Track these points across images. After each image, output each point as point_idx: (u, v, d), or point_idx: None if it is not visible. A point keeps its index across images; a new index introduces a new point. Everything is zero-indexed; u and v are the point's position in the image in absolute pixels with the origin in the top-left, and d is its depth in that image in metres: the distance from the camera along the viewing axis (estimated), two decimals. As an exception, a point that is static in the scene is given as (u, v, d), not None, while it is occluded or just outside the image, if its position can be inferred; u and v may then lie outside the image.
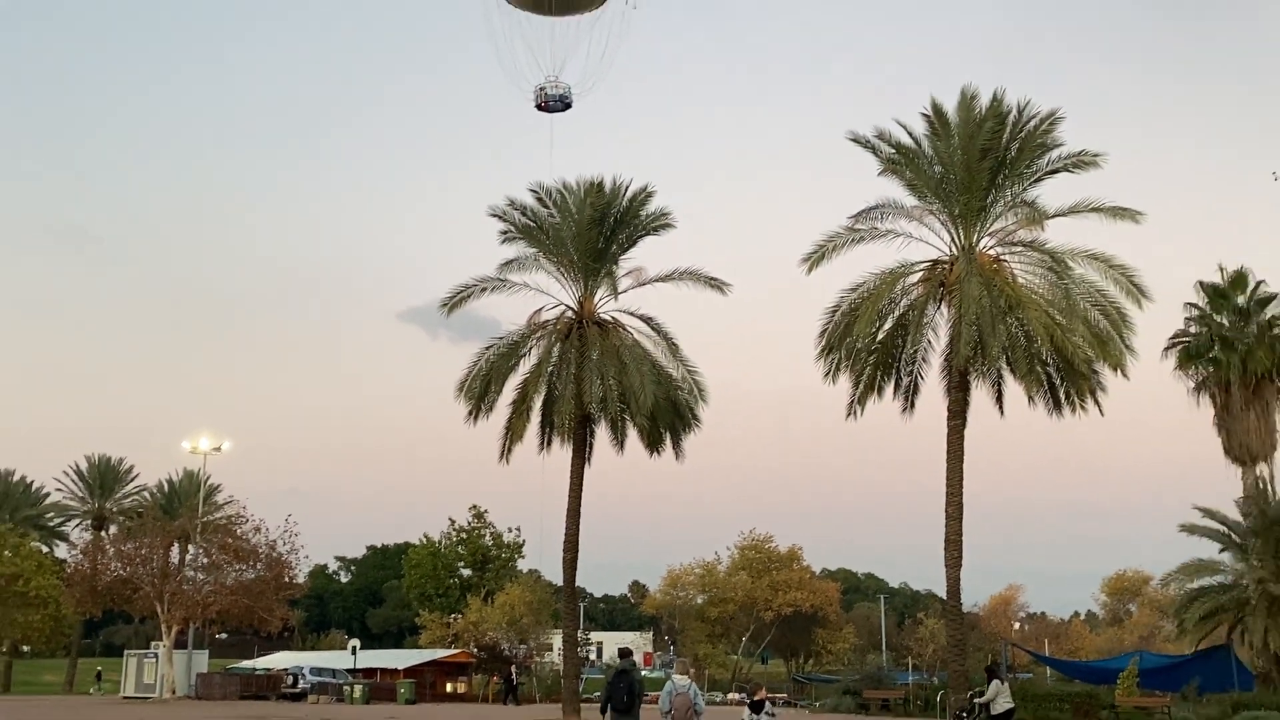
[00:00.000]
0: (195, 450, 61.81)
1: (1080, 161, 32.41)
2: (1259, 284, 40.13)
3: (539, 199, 36.70)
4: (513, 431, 36.17)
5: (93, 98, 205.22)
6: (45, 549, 76.65)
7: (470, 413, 36.06)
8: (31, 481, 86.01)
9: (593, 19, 40.68)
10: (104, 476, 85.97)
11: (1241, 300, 40.17)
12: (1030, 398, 32.35)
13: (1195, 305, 40.95)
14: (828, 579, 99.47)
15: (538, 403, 36.22)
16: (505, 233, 37.02)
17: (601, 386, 34.90)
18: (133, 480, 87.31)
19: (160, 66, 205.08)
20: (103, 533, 76.33)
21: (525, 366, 36.37)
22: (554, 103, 39.28)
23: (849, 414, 33.94)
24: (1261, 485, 38.97)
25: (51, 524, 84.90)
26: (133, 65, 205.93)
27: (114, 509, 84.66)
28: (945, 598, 33.87)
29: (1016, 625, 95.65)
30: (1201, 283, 40.96)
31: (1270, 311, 39.66)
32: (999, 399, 33.78)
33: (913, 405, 34.44)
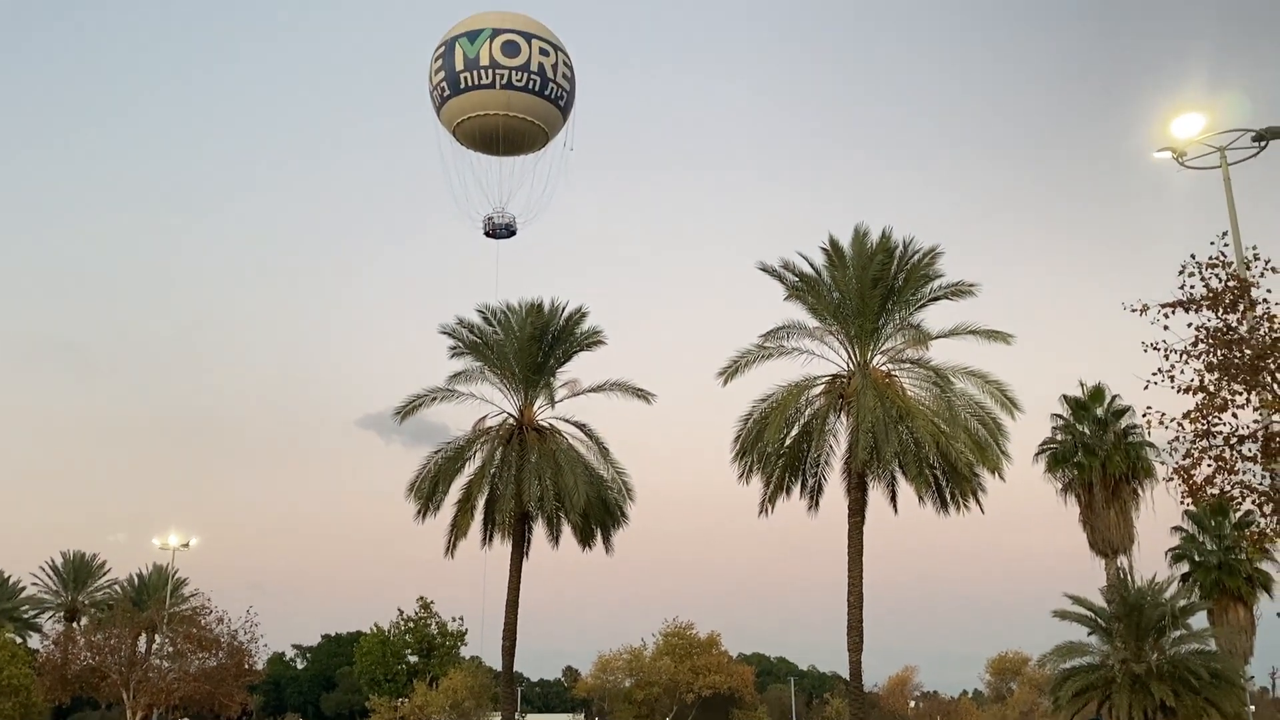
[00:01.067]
0: (164, 546, 60.15)
1: (958, 290, 33.28)
2: (1114, 398, 40.96)
3: (485, 318, 37.02)
4: (458, 528, 35.64)
5: (85, 240, 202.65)
6: (19, 640, 73.12)
7: (419, 511, 35.56)
8: (8, 576, 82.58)
9: (535, 158, 41.77)
10: (77, 571, 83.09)
11: (1100, 412, 40.88)
12: (920, 497, 32.56)
13: (1060, 416, 41.62)
14: (744, 663, 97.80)
15: (481, 501, 35.82)
16: (454, 348, 37.16)
17: (539, 486, 34.66)
18: (104, 574, 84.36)
19: (142, 207, 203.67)
20: (74, 624, 73.29)
21: (470, 469, 36.15)
22: (501, 230, 40.17)
23: (761, 511, 33.82)
24: (1123, 575, 39.21)
25: (26, 616, 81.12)
26: (120, 211, 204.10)
27: (86, 601, 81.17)
28: (848, 679, 33.46)
29: (912, 704, 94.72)
30: (1065, 396, 41.65)
31: (1124, 422, 40.44)
32: (893, 498, 33.81)
33: (818, 504, 34.37)
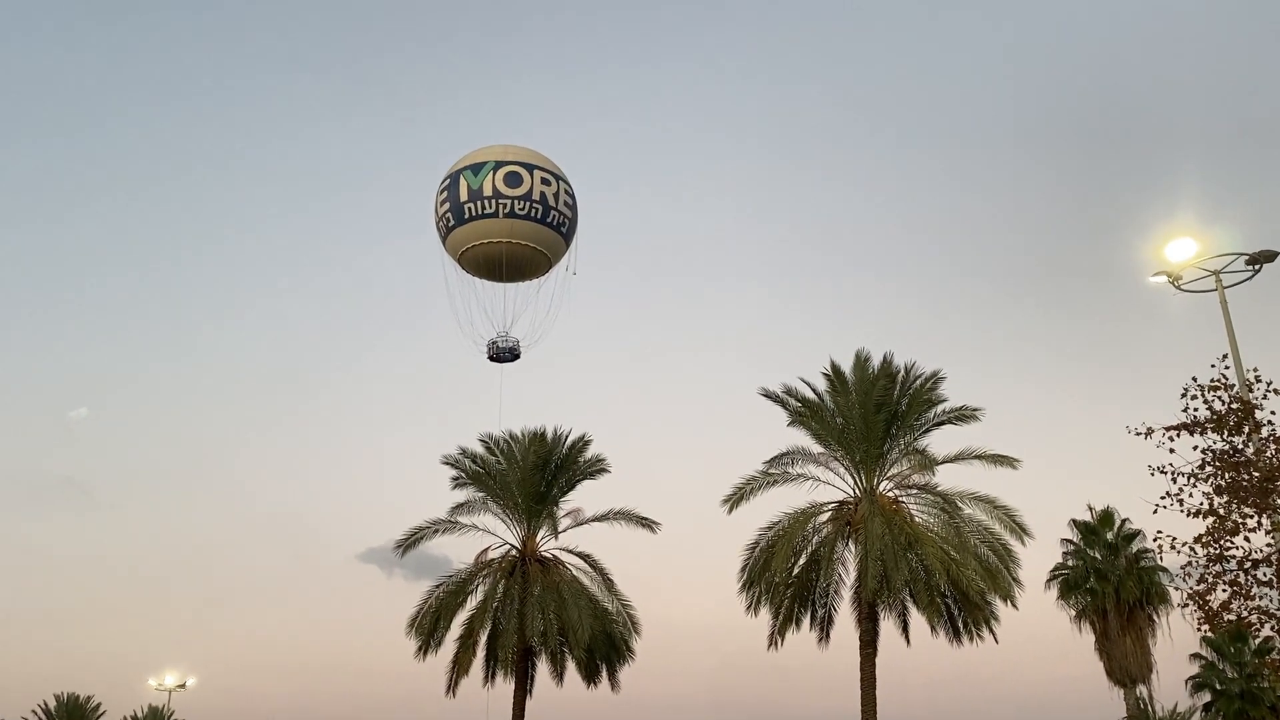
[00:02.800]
0: (160, 687, 59.00)
1: (962, 415, 33.46)
2: (1124, 521, 40.84)
3: (488, 447, 37.17)
4: (459, 666, 34.95)
5: (85, 374, 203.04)
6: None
7: (420, 648, 34.95)
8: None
9: (539, 284, 42.32)
10: (70, 714, 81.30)
11: (1110, 536, 40.72)
12: (933, 627, 32.09)
13: (1070, 541, 41.42)
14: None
15: (483, 637, 35.26)
16: (457, 479, 37.14)
17: (543, 621, 34.17)
18: (100, 716, 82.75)
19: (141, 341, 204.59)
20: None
21: (472, 603, 35.64)
22: (505, 354, 40.23)
23: (771, 644, 33.17)
24: (1143, 705, 38.64)
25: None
26: (117, 347, 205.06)
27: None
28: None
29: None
30: (1075, 520, 41.50)
31: (1136, 546, 40.21)
32: (905, 629, 33.25)
33: (828, 635, 33.71)
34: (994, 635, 32.17)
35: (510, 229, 40.51)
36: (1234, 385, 16.73)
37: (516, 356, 40.18)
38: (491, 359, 40.08)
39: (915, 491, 33.31)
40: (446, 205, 41.20)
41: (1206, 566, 15.96)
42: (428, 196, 42.89)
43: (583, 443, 37.28)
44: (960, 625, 32.45)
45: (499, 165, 40.89)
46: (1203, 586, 16.00)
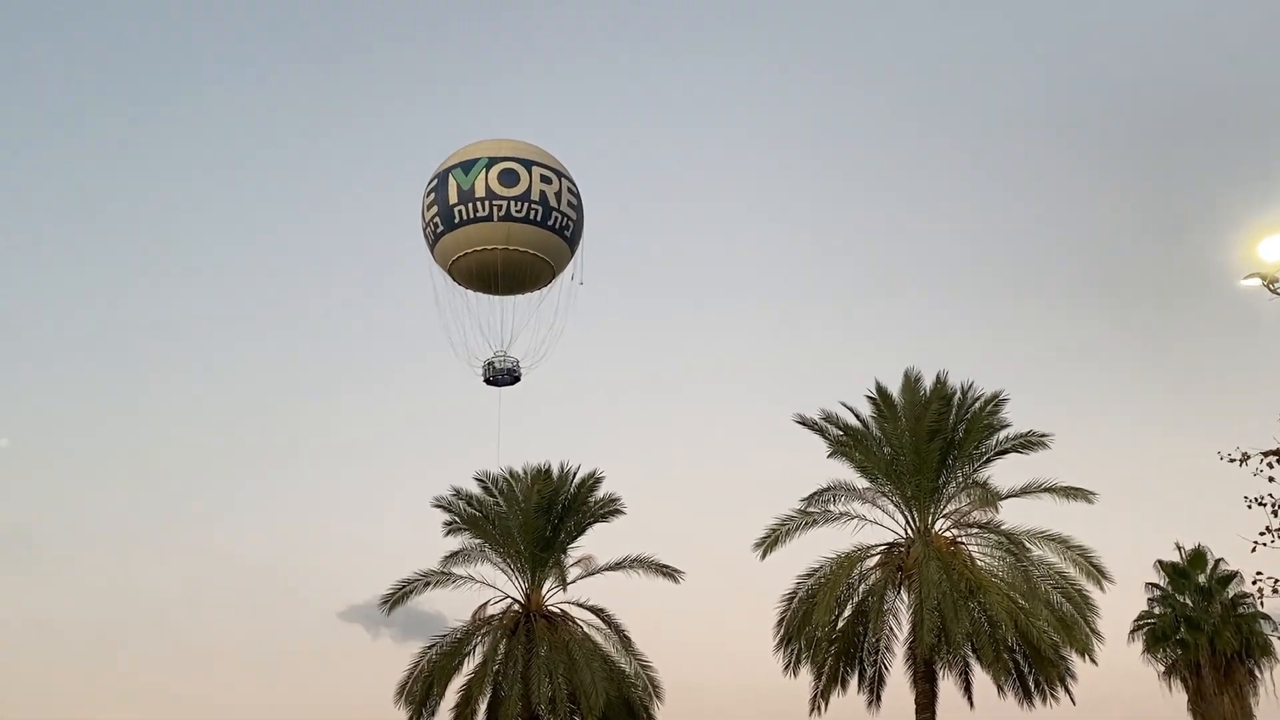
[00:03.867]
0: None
1: (1028, 441, 33.35)
2: (1218, 562, 40.45)
3: (485, 487, 37.24)
4: (456, 738, 34.97)
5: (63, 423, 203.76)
6: None
7: (411, 718, 34.94)
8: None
9: (540, 295, 42.08)
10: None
11: (1202, 579, 40.34)
12: (999, 687, 31.88)
13: (1156, 585, 41.04)
14: None
15: (482, 706, 35.10)
16: (450, 524, 37.17)
17: (550, 686, 34.04)
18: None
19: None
20: None
21: (469, 666, 35.56)
22: (502, 376, 39.88)
23: (813, 708, 32.96)
24: (1245, 774, 38.25)
25: None
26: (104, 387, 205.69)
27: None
28: None
29: None
30: (1161, 562, 41.13)
31: (1232, 590, 39.86)
32: (968, 689, 33.02)
33: (879, 698, 33.46)
34: (1070, 695, 31.91)
35: (507, 234, 40.30)
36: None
37: (516, 379, 39.87)
38: (488, 382, 39.76)
39: (976, 531, 33.16)
40: (434, 209, 41.16)
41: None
42: (413, 201, 42.87)
43: (593, 480, 37.36)
44: (1031, 684, 32.20)
45: (492, 162, 40.76)
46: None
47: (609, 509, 37.49)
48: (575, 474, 37.43)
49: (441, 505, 37.24)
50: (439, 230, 40.77)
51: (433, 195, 41.21)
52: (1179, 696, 39.87)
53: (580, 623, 36.40)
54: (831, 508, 33.87)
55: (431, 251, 41.62)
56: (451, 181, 40.88)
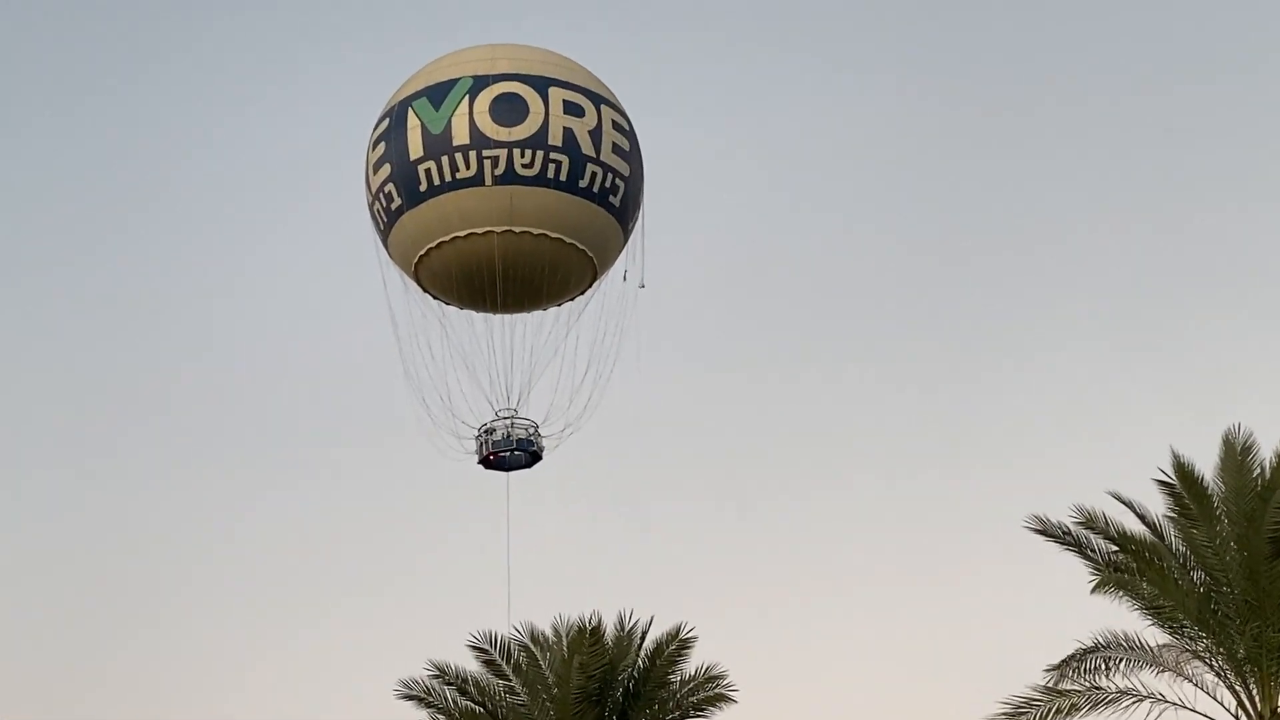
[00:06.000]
0: None
1: None
2: None
3: (489, 661, 34.24)
4: None
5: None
6: None
7: None
8: None
9: (570, 313, 39.79)
10: None
11: None
12: None
13: None
14: None
15: None
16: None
17: None
18: None
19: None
20: None
21: None
22: (512, 455, 37.74)
23: None
24: None
25: None
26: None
27: None
28: None
29: None
30: None
31: None
32: None
33: None
34: None
35: (509, 206, 35.94)
36: None
37: (535, 458, 37.55)
38: (487, 463, 37.29)
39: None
40: (387, 168, 37.20)
41: None
42: (350, 168, 39.37)
43: (677, 643, 34.12)
44: None
45: (481, 83, 36.16)
46: None
47: (708, 693, 34.26)
48: (645, 633, 34.46)
49: (414, 695, 34.27)
50: (396, 206, 37.26)
51: (383, 146, 37.71)
52: None
53: None
54: (1103, 680, 29.71)
55: (383, 242, 38.56)
56: (413, 120, 37.23)
